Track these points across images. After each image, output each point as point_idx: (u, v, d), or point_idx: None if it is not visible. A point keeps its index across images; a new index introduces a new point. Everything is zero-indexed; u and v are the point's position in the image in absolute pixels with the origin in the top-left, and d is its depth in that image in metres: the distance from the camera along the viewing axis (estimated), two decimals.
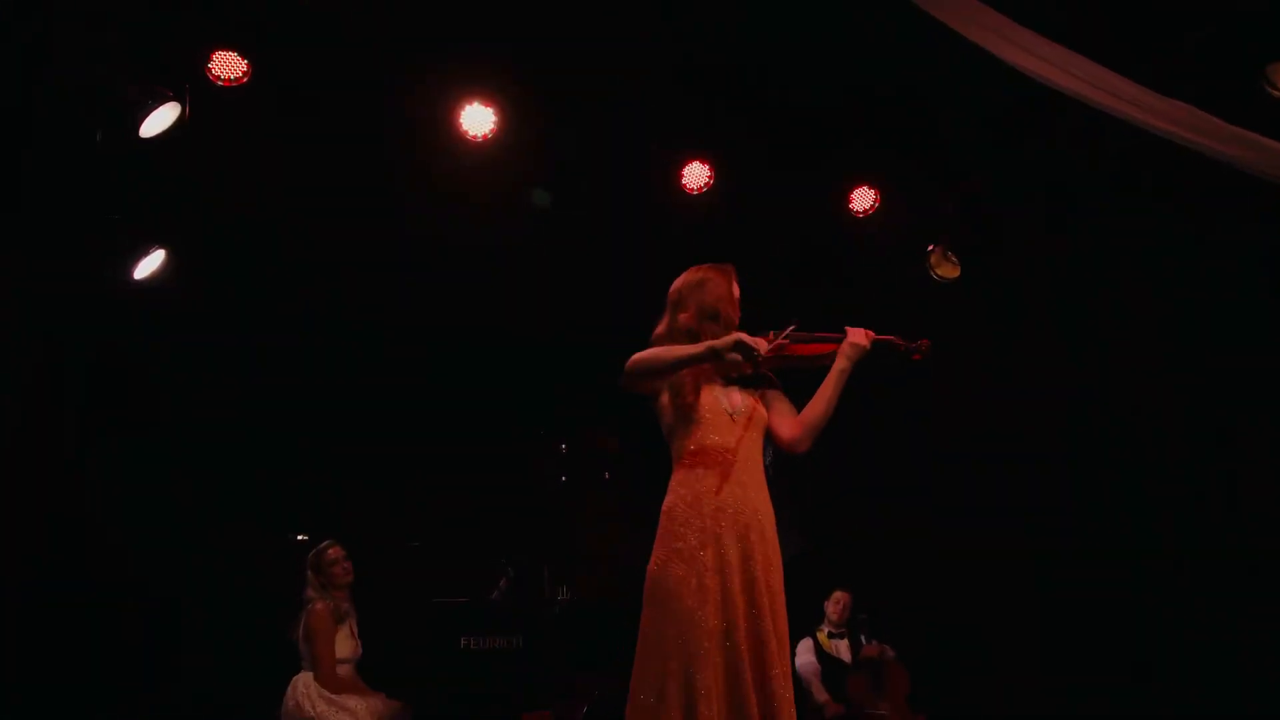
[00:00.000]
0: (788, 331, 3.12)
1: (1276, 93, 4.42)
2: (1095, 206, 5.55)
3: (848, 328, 3.19)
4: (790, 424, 3.14)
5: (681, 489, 3.00)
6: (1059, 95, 3.85)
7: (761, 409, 3.14)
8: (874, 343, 3.17)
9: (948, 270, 5.75)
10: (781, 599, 2.96)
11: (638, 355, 3.01)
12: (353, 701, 4.62)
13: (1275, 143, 3.88)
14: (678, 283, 3.22)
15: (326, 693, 4.61)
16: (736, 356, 2.94)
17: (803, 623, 6.13)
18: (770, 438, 3.16)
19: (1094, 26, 4.16)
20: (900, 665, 5.78)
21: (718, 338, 2.97)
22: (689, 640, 2.82)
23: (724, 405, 3.07)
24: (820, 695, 5.81)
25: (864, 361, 3.16)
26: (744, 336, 2.93)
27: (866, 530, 6.52)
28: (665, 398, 3.09)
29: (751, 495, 3.00)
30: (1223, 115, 3.89)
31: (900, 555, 6.28)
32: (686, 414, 3.04)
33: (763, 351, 2.95)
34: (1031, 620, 5.82)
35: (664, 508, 3.02)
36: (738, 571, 2.89)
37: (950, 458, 6.25)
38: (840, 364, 3.12)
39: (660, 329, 3.17)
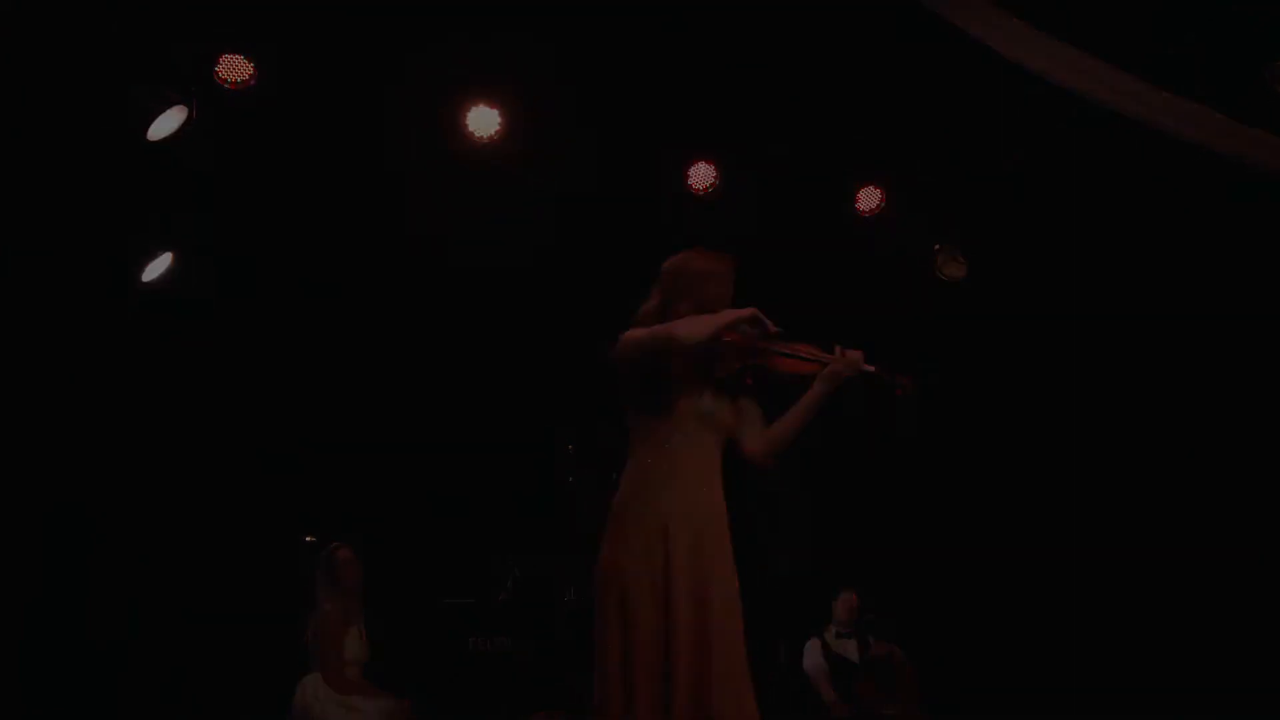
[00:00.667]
0: (803, 348, 2.93)
1: None
2: (1100, 205, 5.55)
3: (839, 348, 2.92)
4: (757, 437, 2.97)
5: (635, 484, 2.87)
6: (1065, 93, 3.85)
7: (730, 414, 2.95)
8: (857, 372, 2.89)
9: (954, 270, 5.75)
10: (733, 605, 2.78)
11: (660, 329, 2.79)
12: (361, 703, 4.63)
13: None
14: (679, 263, 2.98)
15: (335, 694, 4.62)
16: (749, 329, 2.82)
17: (810, 623, 6.13)
18: (731, 445, 2.96)
19: (1098, 24, 4.15)
20: (908, 665, 5.77)
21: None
22: (631, 636, 2.70)
23: (698, 405, 2.88)
24: (828, 696, 5.80)
25: (845, 386, 2.90)
26: (760, 313, 2.80)
27: (874, 530, 6.51)
28: (641, 380, 2.88)
29: (707, 497, 2.86)
30: (1228, 112, 3.88)
31: (908, 555, 6.27)
32: (658, 405, 2.87)
33: (770, 329, 2.82)
34: (1037, 620, 5.82)
35: (615, 501, 2.89)
36: (684, 574, 2.73)
37: (957, 457, 6.24)
38: (820, 387, 2.88)
39: (652, 304, 2.97)
